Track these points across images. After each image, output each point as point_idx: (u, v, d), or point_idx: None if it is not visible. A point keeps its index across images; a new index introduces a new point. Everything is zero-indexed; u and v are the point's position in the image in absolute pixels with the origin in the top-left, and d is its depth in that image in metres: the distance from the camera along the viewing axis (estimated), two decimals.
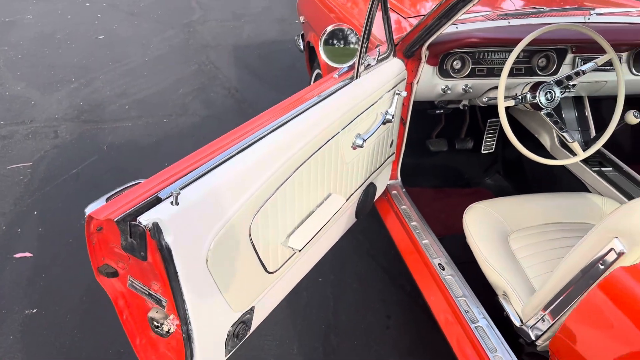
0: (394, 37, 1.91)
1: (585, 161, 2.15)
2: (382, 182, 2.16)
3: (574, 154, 1.97)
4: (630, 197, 1.96)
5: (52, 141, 3.39)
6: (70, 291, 2.29)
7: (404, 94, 1.89)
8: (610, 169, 2.11)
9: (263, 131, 1.37)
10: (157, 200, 1.08)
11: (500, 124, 1.82)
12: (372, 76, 1.76)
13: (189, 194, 1.12)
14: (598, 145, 1.86)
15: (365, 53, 1.70)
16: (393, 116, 1.86)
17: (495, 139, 2.65)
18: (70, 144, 3.37)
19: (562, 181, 2.28)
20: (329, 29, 1.70)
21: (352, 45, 1.79)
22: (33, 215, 2.74)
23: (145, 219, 1.03)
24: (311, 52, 3.12)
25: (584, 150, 1.92)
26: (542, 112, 1.89)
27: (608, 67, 2.11)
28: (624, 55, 2.15)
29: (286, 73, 4.44)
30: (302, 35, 3.32)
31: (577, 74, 1.87)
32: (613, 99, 1.89)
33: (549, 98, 1.84)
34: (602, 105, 2.68)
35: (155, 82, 4.20)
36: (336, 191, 1.71)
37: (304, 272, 1.72)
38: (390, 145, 2.06)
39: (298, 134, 1.44)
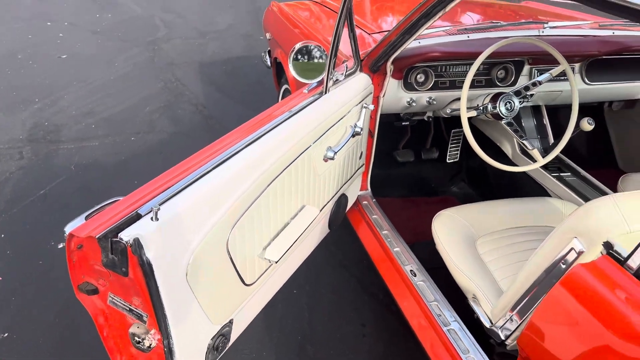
0: (360, 53, 1.97)
1: (545, 167, 2.26)
2: (353, 193, 2.21)
3: (534, 160, 2.07)
4: (587, 200, 2.07)
5: (17, 162, 3.33)
6: (42, 314, 2.26)
7: (372, 107, 1.96)
8: (569, 173, 2.22)
9: (236, 147, 1.40)
10: (138, 217, 1.10)
11: (464, 134, 1.90)
12: (340, 91, 1.82)
13: (168, 209, 1.15)
14: (556, 151, 1.96)
15: (334, 69, 1.76)
16: (362, 129, 1.92)
17: (459, 148, 2.76)
18: (36, 164, 3.32)
19: (524, 187, 2.38)
20: (298, 46, 1.75)
21: (320, 61, 1.84)
22: (0, 238, 2.69)
23: (127, 235, 1.05)
24: (278, 68, 3.18)
25: (543, 157, 2.02)
26: (503, 122, 1.99)
27: (562, 78, 2.23)
28: (577, 66, 2.28)
29: (253, 88, 4.49)
30: (269, 52, 3.37)
31: (534, 84, 1.97)
32: (569, 107, 2.00)
33: (509, 108, 1.93)
34: (559, 113, 2.82)
35: (122, 101, 4.18)
36: (310, 203, 1.75)
37: (280, 283, 1.75)
38: (360, 157, 2.12)
39: (271, 148, 1.48)
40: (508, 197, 2.07)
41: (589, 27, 2.40)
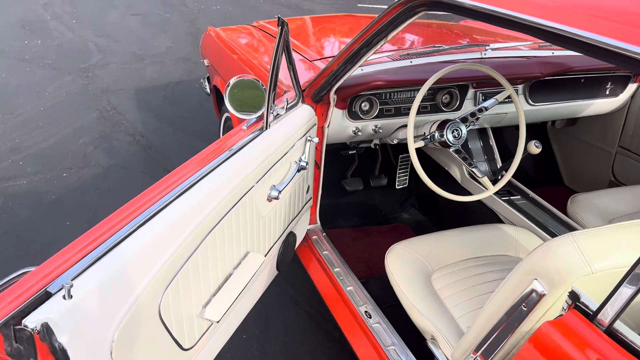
0: (302, 83, 1.88)
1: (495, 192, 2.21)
2: (301, 229, 2.10)
3: (485, 187, 2.02)
4: (538, 223, 2.03)
5: None
6: None
7: (316, 140, 1.86)
8: (519, 196, 2.19)
9: (169, 197, 1.26)
10: (47, 296, 0.95)
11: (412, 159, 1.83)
12: (282, 125, 1.71)
13: (85, 281, 1.00)
14: (506, 178, 1.92)
15: (273, 102, 1.66)
16: (307, 163, 1.81)
17: (407, 173, 2.70)
18: None
19: (475, 212, 2.33)
20: (233, 81, 1.63)
21: (259, 95, 1.73)
22: None
23: (32, 321, 0.89)
24: (218, 95, 3.04)
25: (493, 184, 1.97)
26: (451, 149, 1.93)
27: (507, 100, 2.21)
28: (520, 87, 2.26)
29: (194, 114, 4.32)
30: (208, 78, 3.23)
31: (480, 110, 1.93)
32: (514, 127, 1.97)
33: (456, 135, 1.88)
34: (504, 133, 2.81)
35: (53, 133, 3.92)
36: (254, 248, 1.63)
37: (225, 338, 1.61)
38: (307, 191, 2.01)
39: (208, 194, 1.35)
40: (460, 222, 2.01)
41: (529, 47, 2.39)
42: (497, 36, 3.00)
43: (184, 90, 4.76)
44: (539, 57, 2.31)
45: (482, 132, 2.33)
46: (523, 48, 2.38)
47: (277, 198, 1.62)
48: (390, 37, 1.54)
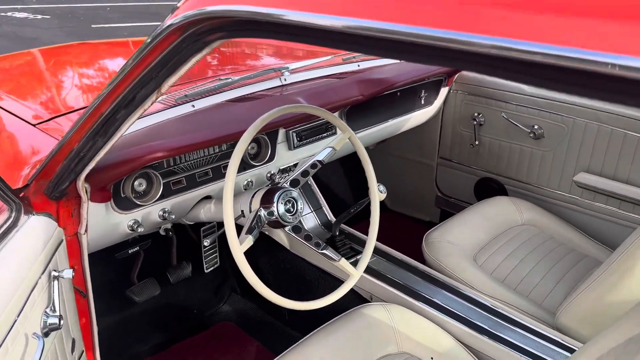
0: (23, 174, 1.09)
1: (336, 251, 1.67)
2: None
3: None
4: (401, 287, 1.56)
5: None
6: None
7: (68, 274, 1.08)
8: (374, 257, 1.69)
9: None
10: None
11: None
12: None
13: None
14: (368, 254, 1.38)
15: None
16: (61, 316, 1.03)
17: (216, 248, 1.99)
18: None
19: (320, 285, 1.77)
20: None
21: None
22: None
23: None
24: None
25: (345, 255, 1.44)
26: (287, 229, 1.32)
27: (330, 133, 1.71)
28: (336, 114, 1.77)
29: None
30: None
31: (314, 166, 1.36)
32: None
33: (291, 209, 1.28)
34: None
35: None
36: None
37: None
38: (73, 349, 1.21)
39: None
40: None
41: (331, 63, 1.93)
42: (285, 53, 2.49)
43: None
44: (348, 73, 1.86)
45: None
46: (324, 65, 1.90)
47: None
48: (165, 88, 0.87)
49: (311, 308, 1.22)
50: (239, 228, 1.21)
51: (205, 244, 1.31)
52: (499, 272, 1.69)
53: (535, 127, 1.99)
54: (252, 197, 1.29)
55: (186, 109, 1.47)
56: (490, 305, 1.46)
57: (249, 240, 1.16)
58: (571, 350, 1.31)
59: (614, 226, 1.91)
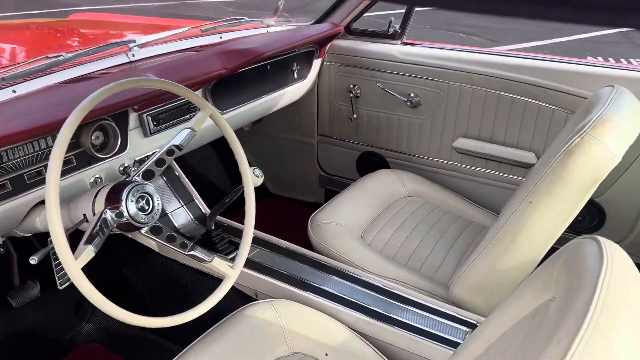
0: None
1: (214, 249, 1.47)
2: None
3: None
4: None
5: None
6: None
7: None
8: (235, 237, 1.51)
9: None
10: None
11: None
12: None
13: None
14: (243, 255, 1.20)
15: None
16: None
17: None
18: None
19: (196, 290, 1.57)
20: None
21: None
22: None
23: None
24: None
25: (222, 253, 1.25)
26: (144, 230, 1.10)
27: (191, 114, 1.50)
28: (199, 94, 1.57)
29: None
30: None
31: (171, 152, 1.15)
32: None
33: (146, 207, 1.06)
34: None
35: None
36: None
37: None
38: None
39: None
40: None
41: (188, 35, 1.71)
42: (133, 28, 2.21)
43: None
44: (209, 46, 1.65)
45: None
46: (181, 37, 1.68)
47: None
48: None
49: (177, 323, 1.02)
50: (80, 237, 0.98)
51: (32, 262, 1.05)
52: (388, 249, 1.60)
53: (412, 94, 1.93)
54: (95, 196, 1.06)
55: (5, 95, 1.19)
56: (382, 287, 1.36)
57: (88, 252, 0.93)
58: (468, 324, 1.25)
59: (495, 190, 1.91)
